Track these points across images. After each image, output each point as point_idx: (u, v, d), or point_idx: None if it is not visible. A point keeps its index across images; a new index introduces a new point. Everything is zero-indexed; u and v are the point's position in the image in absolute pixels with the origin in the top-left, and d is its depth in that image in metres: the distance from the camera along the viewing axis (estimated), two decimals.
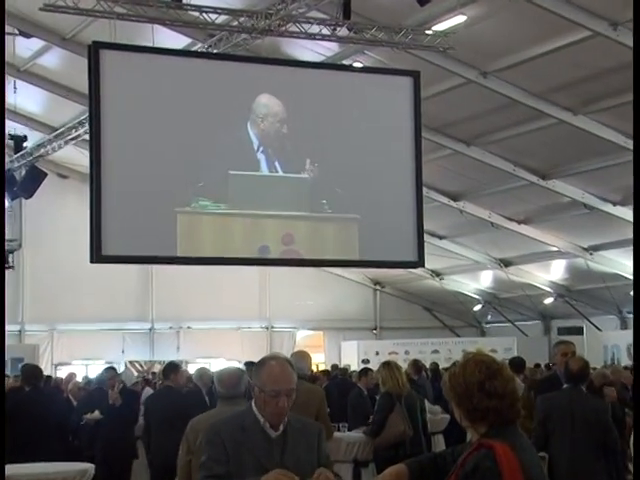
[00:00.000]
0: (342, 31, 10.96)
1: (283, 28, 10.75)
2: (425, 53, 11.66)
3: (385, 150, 10.90)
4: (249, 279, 20.36)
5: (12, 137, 15.82)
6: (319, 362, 20.13)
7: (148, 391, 10.71)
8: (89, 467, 6.58)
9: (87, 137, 11.72)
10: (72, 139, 15.05)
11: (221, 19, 10.96)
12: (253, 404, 3.31)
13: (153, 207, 9.91)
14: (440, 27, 11.11)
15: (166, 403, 7.64)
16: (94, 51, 9.81)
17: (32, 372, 8.02)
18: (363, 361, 19.34)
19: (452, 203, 16.97)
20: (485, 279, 21.32)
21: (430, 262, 15.12)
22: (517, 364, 8.89)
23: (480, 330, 23.63)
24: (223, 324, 20.85)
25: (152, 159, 10.03)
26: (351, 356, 20.79)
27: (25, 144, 15.92)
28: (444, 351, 20.25)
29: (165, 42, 11.65)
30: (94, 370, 14.95)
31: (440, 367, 13.63)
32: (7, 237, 16.08)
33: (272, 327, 21.98)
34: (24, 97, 14.87)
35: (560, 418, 5.77)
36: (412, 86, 10.97)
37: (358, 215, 10.76)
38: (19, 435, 7.11)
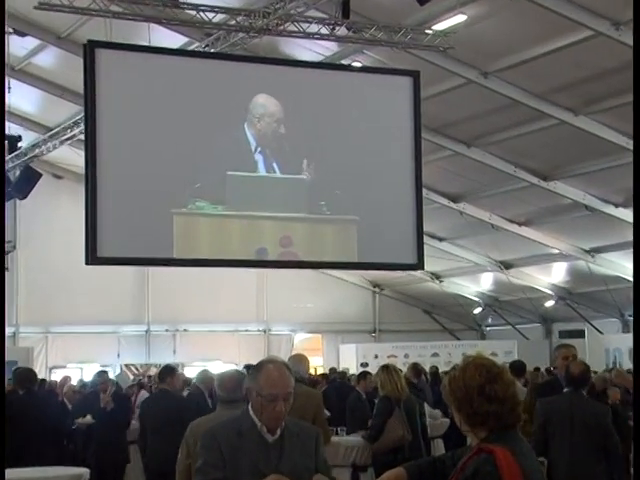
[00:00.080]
0: (341, 30, 10.91)
1: (281, 27, 10.69)
2: (425, 53, 11.60)
3: (384, 151, 10.84)
4: (246, 281, 20.28)
5: (6, 137, 15.72)
6: (317, 365, 20.13)
7: (144, 394, 10.65)
8: (84, 472, 6.61)
9: (82, 137, 11.64)
10: (67, 139, 14.93)
11: (218, 18, 10.88)
12: (250, 408, 3.29)
13: (149, 208, 9.84)
14: (440, 26, 11.04)
15: (162, 407, 7.60)
16: (89, 50, 9.73)
17: (26, 375, 7.97)
18: (362, 364, 19.32)
19: (452, 205, 16.90)
20: (485, 282, 21.27)
21: (430, 264, 15.10)
22: (518, 368, 8.83)
23: (480, 333, 23.57)
24: (220, 327, 20.76)
25: (148, 159, 9.96)
26: (350, 359, 20.71)
27: (19, 144, 15.83)
28: (444, 354, 20.19)
29: (161, 41, 11.58)
30: (89, 373, 14.87)
31: (440, 371, 13.61)
32: None
33: (270, 330, 21.89)
34: (19, 97, 14.78)
35: (560, 422, 5.77)
36: (412, 86, 10.90)
37: (357, 217, 10.69)
38: (13, 439, 7.01)
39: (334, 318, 21.69)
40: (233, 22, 10.83)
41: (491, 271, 20.14)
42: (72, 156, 16.07)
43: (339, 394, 10.31)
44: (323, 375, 14.52)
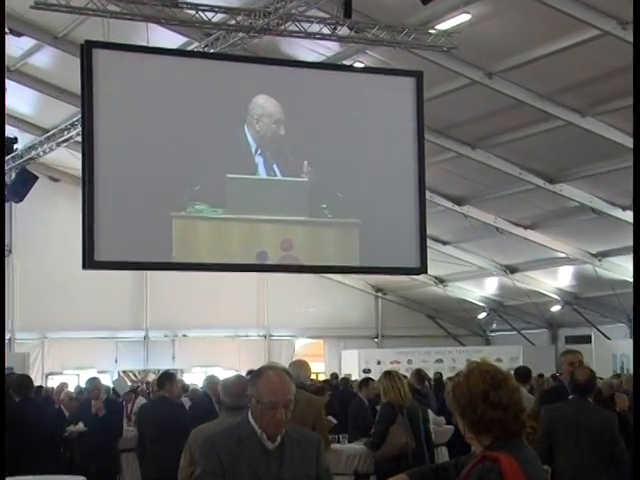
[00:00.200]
0: (343, 30, 10.86)
1: (282, 27, 10.62)
2: (428, 53, 11.51)
3: (387, 153, 10.75)
4: (247, 286, 20.14)
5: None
6: (319, 371, 20.06)
7: (141, 401, 10.56)
8: None
9: (79, 139, 11.56)
10: (64, 141, 14.96)
11: (218, 18, 10.81)
12: (250, 415, 3.27)
13: (148, 211, 9.74)
14: (444, 26, 10.98)
15: (161, 414, 7.52)
16: (87, 50, 9.64)
17: (22, 382, 7.91)
18: (364, 370, 19.32)
19: (456, 207, 16.78)
20: (490, 286, 21.12)
21: (433, 268, 15.03)
22: (523, 374, 8.74)
23: (485, 339, 23.46)
24: (220, 332, 20.65)
25: (146, 162, 9.86)
26: (352, 365, 20.64)
27: (15, 146, 15.84)
28: (448, 360, 20.11)
29: (160, 41, 11.48)
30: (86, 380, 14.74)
31: (444, 377, 13.50)
32: None
33: (270, 335, 21.75)
34: (14, 98, 14.73)
35: (565, 429, 5.77)
36: (415, 87, 10.82)
37: (359, 220, 10.59)
38: (10, 447, 6.91)
39: (336, 323, 21.58)
40: (233, 22, 10.79)
41: (496, 275, 20.01)
42: (69, 158, 16.05)
43: (342, 401, 10.27)
44: (326, 382, 14.40)
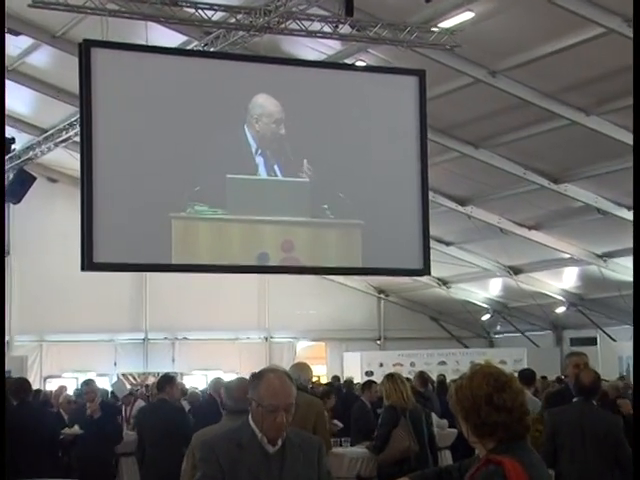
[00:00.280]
0: (344, 29, 10.81)
1: (283, 25, 10.59)
2: (431, 51, 11.46)
3: (389, 152, 10.69)
4: (247, 288, 20.08)
5: None
6: (321, 374, 19.97)
7: (140, 404, 10.49)
8: None
9: (78, 139, 11.52)
10: (62, 141, 14.97)
11: (218, 16, 10.76)
12: (250, 418, 3.25)
13: (147, 212, 9.70)
14: (446, 24, 10.94)
15: (161, 417, 7.45)
16: (85, 49, 9.60)
17: (20, 385, 7.80)
18: (366, 373, 19.28)
19: (459, 208, 16.70)
20: (494, 287, 21.02)
21: (436, 270, 14.92)
22: (527, 376, 8.58)
23: (489, 341, 23.39)
24: (220, 335, 20.60)
25: (146, 162, 9.81)
26: (354, 368, 20.55)
27: (13, 146, 15.82)
28: (451, 362, 20.05)
29: (159, 40, 11.45)
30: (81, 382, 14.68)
31: (447, 379, 13.46)
32: None
33: (271, 338, 21.69)
34: (12, 97, 14.63)
35: (570, 433, 5.75)
36: (417, 86, 10.76)
37: (361, 221, 10.53)
38: (6, 451, 6.81)
39: (338, 325, 21.52)
40: (233, 20, 10.77)
41: (500, 276, 19.92)
42: (67, 159, 16.05)
43: (345, 404, 10.22)
44: (328, 384, 14.32)
